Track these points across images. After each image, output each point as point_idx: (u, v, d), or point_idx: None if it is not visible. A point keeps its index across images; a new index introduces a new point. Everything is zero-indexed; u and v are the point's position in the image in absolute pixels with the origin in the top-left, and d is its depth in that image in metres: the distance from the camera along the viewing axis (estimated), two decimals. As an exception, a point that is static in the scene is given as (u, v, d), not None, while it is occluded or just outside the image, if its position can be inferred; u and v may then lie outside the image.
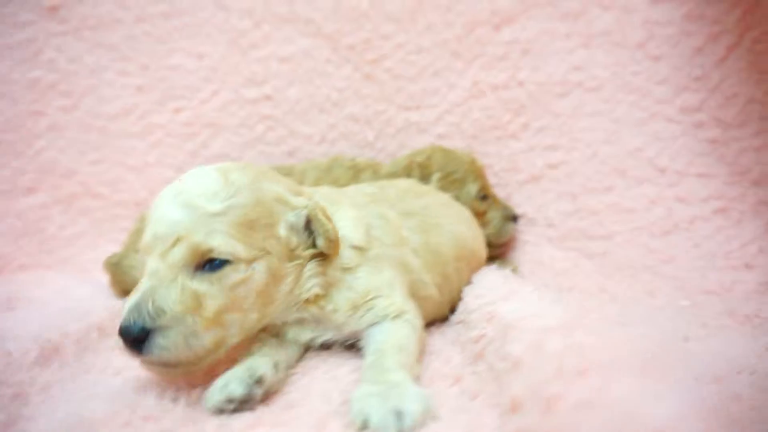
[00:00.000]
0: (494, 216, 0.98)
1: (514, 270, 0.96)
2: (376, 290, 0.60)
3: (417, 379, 0.54)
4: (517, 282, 0.65)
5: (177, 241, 0.49)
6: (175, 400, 0.51)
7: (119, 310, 0.78)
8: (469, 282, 0.75)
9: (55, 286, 1.01)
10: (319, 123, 1.12)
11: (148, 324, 0.47)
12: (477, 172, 0.97)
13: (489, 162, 1.06)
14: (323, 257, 0.58)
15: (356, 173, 0.94)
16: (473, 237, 0.80)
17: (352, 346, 0.62)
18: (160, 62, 1.13)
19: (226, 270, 0.51)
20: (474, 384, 0.51)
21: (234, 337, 0.52)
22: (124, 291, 0.90)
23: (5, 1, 1.11)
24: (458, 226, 0.77)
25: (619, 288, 0.87)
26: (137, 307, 0.48)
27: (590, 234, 0.99)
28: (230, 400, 0.48)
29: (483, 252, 0.85)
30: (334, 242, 0.57)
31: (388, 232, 0.65)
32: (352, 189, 0.73)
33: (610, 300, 0.85)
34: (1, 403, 0.50)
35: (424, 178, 0.92)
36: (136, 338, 0.47)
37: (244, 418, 0.47)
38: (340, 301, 0.59)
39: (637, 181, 0.99)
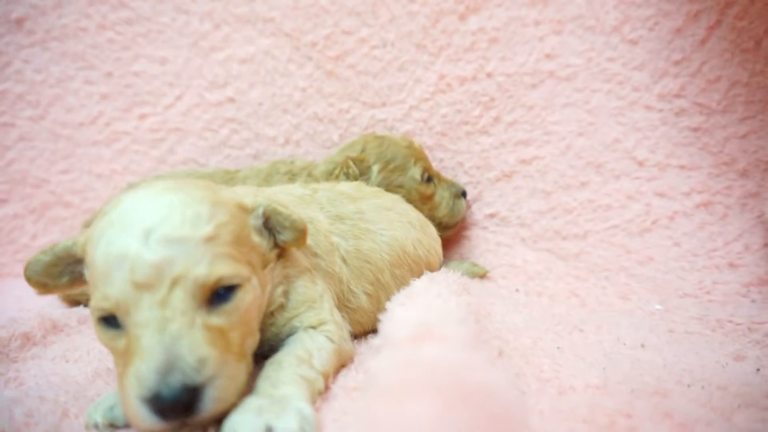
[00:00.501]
0: (443, 196, 0.94)
1: (481, 274, 0.90)
2: (310, 302, 0.55)
3: (319, 393, 0.49)
4: (435, 285, 0.59)
5: (175, 282, 0.42)
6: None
7: (55, 318, 0.78)
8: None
9: (14, 294, 1.01)
10: (282, 124, 1.09)
11: (196, 380, 0.40)
12: (417, 155, 0.93)
13: (460, 159, 1.00)
14: (284, 256, 0.54)
15: (292, 177, 0.90)
16: (416, 241, 0.74)
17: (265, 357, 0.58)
18: (124, 69, 1.12)
19: (238, 295, 0.45)
20: (357, 400, 0.46)
21: (251, 365, 0.47)
22: (70, 301, 0.89)
23: (-27, 15, 1.12)
24: (396, 231, 0.71)
25: (591, 292, 0.80)
26: (168, 368, 0.40)
27: (564, 234, 0.91)
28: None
29: (433, 256, 0.79)
30: (303, 230, 0.52)
31: (317, 238, 0.60)
32: (280, 189, 0.68)
33: (579, 305, 0.78)
34: None
35: (363, 172, 0.87)
36: (179, 402, 0.40)
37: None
38: (282, 313, 0.55)
39: (614, 175, 0.91)
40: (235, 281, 0.44)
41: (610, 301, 0.77)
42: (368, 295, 0.64)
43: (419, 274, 0.72)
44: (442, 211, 0.92)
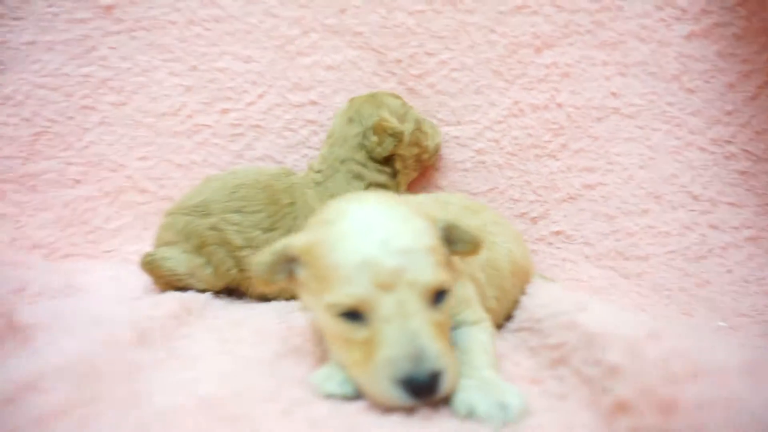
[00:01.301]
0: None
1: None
2: (467, 301, 0.64)
3: None
4: (579, 294, 0.71)
5: (410, 285, 0.50)
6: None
7: (186, 300, 0.84)
8: (524, 293, 0.80)
9: (103, 275, 1.05)
10: (363, 132, 1.16)
11: (439, 367, 0.48)
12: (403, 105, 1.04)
13: (528, 179, 1.11)
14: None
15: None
16: (522, 254, 0.85)
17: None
18: (209, 64, 1.16)
19: (447, 297, 0.53)
20: (557, 387, 0.55)
21: None
22: (165, 284, 0.94)
23: (62, -2, 1.13)
24: (510, 243, 0.81)
25: (656, 307, 0.93)
26: (419, 356, 0.48)
27: (626, 255, 1.04)
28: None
29: (531, 268, 0.90)
30: (479, 243, 0.58)
31: None
32: (421, 198, 0.77)
33: (651, 318, 0.91)
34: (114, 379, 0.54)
35: (398, 138, 0.97)
36: (428, 384, 0.48)
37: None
38: None
39: (671, 206, 1.04)
40: (447, 285, 0.54)
41: (675, 316, 0.90)
42: (497, 299, 0.74)
43: (525, 282, 0.82)
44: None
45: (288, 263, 0.58)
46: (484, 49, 1.12)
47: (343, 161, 0.98)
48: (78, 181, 1.17)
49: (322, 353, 0.64)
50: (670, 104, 1.07)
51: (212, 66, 1.16)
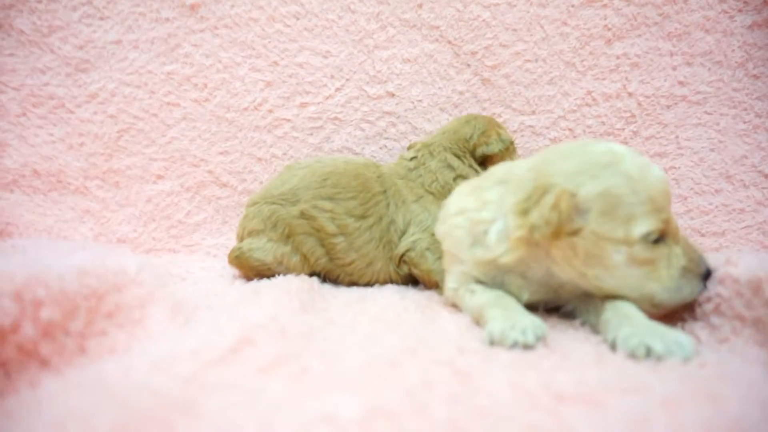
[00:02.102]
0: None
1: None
2: None
3: None
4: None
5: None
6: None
7: (305, 281, 0.87)
8: None
9: (193, 266, 1.07)
10: (440, 121, 1.21)
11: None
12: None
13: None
14: None
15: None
16: None
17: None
18: (289, 59, 1.20)
19: None
20: (711, 335, 0.60)
21: None
22: (254, 275, 0.97)
23: (149, -3, 1.17)
24: None
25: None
26: (703, 257, 0.64)
27: (703, 231, 1.10)
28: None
29: None
30: None
31: None
32: None
33: None
34: (304, 338, 0.57)
35: (504, 145, 0.99)
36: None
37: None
38: None
39: (743, 185, 1.10)
40: None
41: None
42: None
43: None
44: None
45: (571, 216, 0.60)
46: (557, 41, 1.18)
47: (444, 149, 1.00)
48: (160, 177, 1.19)
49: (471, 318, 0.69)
50: (736, 90, 1.13)
51: (292, 61, 1.20)
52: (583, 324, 0.69)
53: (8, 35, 1.13)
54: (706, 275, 0.62)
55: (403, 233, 0.96)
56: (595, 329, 0.66)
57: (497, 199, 0.69)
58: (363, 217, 0.96)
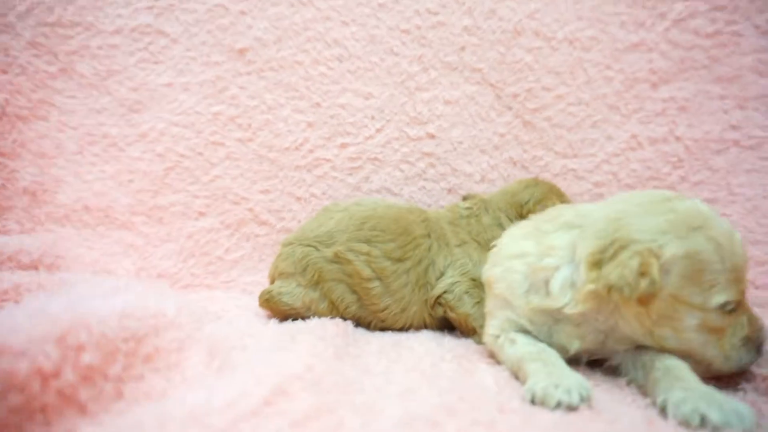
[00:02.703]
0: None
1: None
2: None
3: None
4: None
5: None
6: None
7: (339, 324, 0.86)
8: None
9: (230, 304, 1.07)
10: (480, 163, 1.20)
11: None
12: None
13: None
14: None
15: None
16: None
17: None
18: (331, 101, 1.23)
19: None
20: None
21: None
22: (283, 317, 0.96)
23: (200, 44, 1.22)
24: None
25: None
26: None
27: (758, 284, 1.03)
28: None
29: None
30: None
31: None
32: None
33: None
34: (340, 389, 0.55)
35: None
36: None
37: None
38: None
39: None
40: None
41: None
42: None
43: None
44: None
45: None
46: (600, 85, 1.16)
47: (499, 209, 0.99)
48: (202, 214, 1.22)
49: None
50: (792, 135, 1.08)
51: (334, 102, 1.22)
52: (629, 383, 0.65)
53: (71, 78, 1.20)
54: (760, 347, 0.61)
55: (442, 275, 0.94)
56: (642, 389, 0.62)
57: (566, 246, 0.66)
58: (401, 260, 0.94)
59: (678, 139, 1.13)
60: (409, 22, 1.21)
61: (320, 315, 0.94)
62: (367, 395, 0.57)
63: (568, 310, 0.64)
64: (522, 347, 0.67)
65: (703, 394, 0.52)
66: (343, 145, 1.22)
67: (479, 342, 0.86)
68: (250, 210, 1.22)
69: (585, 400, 0.54)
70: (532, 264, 0.68)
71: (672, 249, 0.57)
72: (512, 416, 0.52)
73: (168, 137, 1.22)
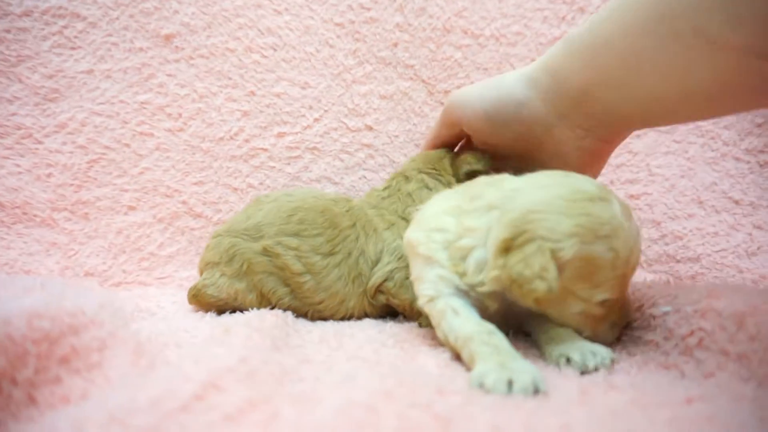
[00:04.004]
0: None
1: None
2: None
3: None
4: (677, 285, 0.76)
5: None
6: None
7: (277, 315, 0.83)
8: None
9: (164, 300, 1.03)
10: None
11: None
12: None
13: (580, 192, 1.17)
14: None
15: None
16: None
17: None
18: (266, 89, 1.19)
19: None
20: (697, 369, 0.59)
21: None
22: (217, 310, 0.93)
23: (121, 29, 1.15)
24: None
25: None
26: None
27: (678, 257, 1.10)
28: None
29: None
30: None
31: None
32: None
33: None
34: (276, 380, 0.54)
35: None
36: None
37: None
38: None
39: (715, 210, 1.12)
40: None
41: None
42: None
43: None
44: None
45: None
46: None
47: (418, 171, 0.95)
48: (132, 208, 1.16)
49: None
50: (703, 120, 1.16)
51: (269, 91, 1.19)
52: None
53: (-26, 65, 1.10)
54: (625, 325, 0.70)
55: (375, 263, 0.91)
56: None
57: (483, 227, 0.66)
58: (331, 254, 0.91)
59: (603, 124, 1.18)
60: (342, 16, 1.19)
61: (248, 306, 0.90)
62: (306, 384, 0.56)
63: (480, 289, 0.66)
64: (468, 324, 0.65)
65: (572, 344, 0.62)
66: (280, 135, 1.19)
67: (425, 325, 0.85)
68: (184, 203, 1.17)
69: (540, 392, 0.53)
70: (452, 243, 0.69)
71: (572, 252, 0.59)
72: (451, 397, 0.52)
73: (90, 128, 1.14)
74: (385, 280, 0.90)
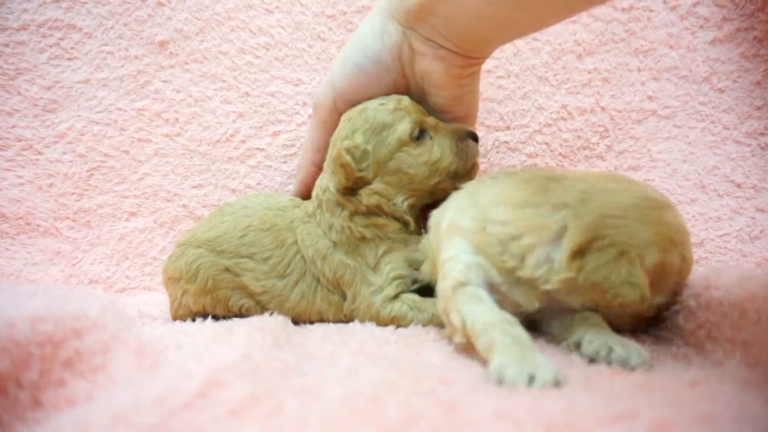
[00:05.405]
0: (443, 144, 0.82)
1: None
2: None
3: None
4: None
5: None
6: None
7: (276, 318, 0.84)
8: None
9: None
10: (416, 147, 1.20)
11: None
12: (407, 110, 0.82)
13: (579, 180, 1.16)
14: None
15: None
16: None
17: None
18: (260, 89, 1.19)
19: None
20: (707, 360, 0.59)
21: None
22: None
23: (116, 37, 1.16)
24: None
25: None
26: None
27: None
28: None
29: None
30: None
31: None
32: None
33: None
34: (279, 375, 0.54)
35: (361, 158, 0.82)
36: None
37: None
38: None
39: (717, 194, 1.11)
40: None
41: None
42: None
43: None
44: (446, 161, 0.82)
45: None
46: (528, 56, 1.19)
47: (324, 190, 0.86)
48: (133, 214, 1.16)
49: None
50: (703, 104, 1.15)
51: (263, 91, 1.19)
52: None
53: (-27, 79, 1.11)
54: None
55: (335, 283, 0.86)
56: (557, 337, 0.69)
57: (552, 227, 0.68)
58: (285, 275, 0.87)
59: (603, 109, 1.18)
60: (334, 7, 1.19)
61: (220, 313, 0.89)
62: (309, 379, 0.56)
63: (538, 285, 0.64)
64: (491, 312, 0.62)
65: (611, 335, 0.60)
66: (276, 133, 1.20)
67: (426, 323, 0.82)
68: (184, 206, 1.18)
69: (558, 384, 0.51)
70: (513, 236, 0.66)
71: (654, 260, 0.61)
72: (454, 386, 0.52)
73: (89, 136, 1.15)
74: (393, 318, 0.84)
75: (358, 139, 0.82)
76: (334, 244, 0.85)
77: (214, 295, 0.88)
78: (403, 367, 0.60)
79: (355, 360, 0.65)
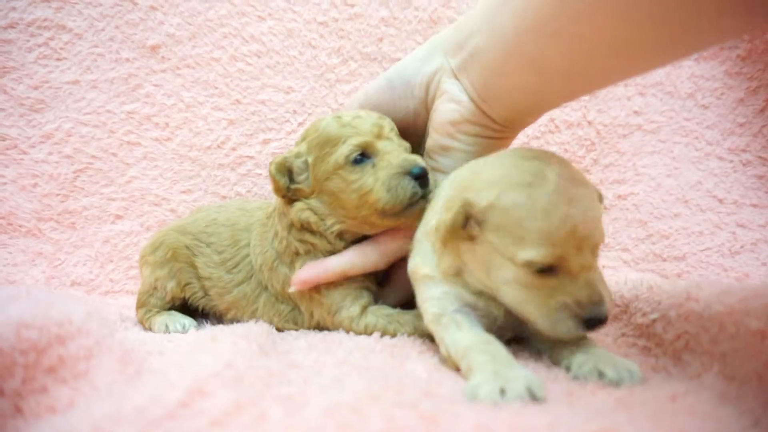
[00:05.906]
0: (376, 178, 0.72)
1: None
2: None
3: None
4: (657, 280, 0.76)
5: (593, 246, 0.58)
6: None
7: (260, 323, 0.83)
8: None
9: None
10: (405, 156, 1.21)
11: (610, 309, 0.58)
12: (357, 129, 0.73)
13: (566, 193, 1.18)
14: None
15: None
16: None
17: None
18: (251, 97, 1.20)
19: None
20: (684, 372, 0.59)
21: None
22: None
23: (107, 40, 1.15)
24: None
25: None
26: (602, 301, 0.57)
27: (664, 256, 1.12)
28: None
29: None
30: None
31: None
32: None
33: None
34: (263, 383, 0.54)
35: (299, 171, 0.78)
36: (602, 321, 0.57)
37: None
38: None
39: (700, 209, 1.13)
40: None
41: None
42: None
43: None
44: (375, 195, 0.71)
45: (467, 221, 0.60)
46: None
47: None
48: (119, 217, 1.15)
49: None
50: (687, 119, 1.18)
51: (254, 99, 1.19)
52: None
53: (-42, 77, 1.10)
54: (590, 322, 0.57)
55: (283, 295, 0.85)
56: (548, 355, 0.67)
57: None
58: (233, 271, 0.88)
59: (590, 123, 1.20)
60: (326, 14, 1.20)
61: (169, 296, 0.91)
62: (293, 387, 0.56)
63: (440, 271, 0.67)
64: (468, 335, 0.63)
65: (600, 355, 0.57)
66: (266, 141, 1.20)
67: (411, 333, 0.81)
68: (172, 211, 1.17)
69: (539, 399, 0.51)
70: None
71: (487, 199, 0.58)
72: (438, 398, 0.53)
73: (76, 138, 1.14)
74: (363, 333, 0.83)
75: (302, 148, 0.78)
76: (277, 254, 0.82)
77: (171, 266, 0.91)
78: (387, 378, 0.60)
79: (340, 370, 0.65)
